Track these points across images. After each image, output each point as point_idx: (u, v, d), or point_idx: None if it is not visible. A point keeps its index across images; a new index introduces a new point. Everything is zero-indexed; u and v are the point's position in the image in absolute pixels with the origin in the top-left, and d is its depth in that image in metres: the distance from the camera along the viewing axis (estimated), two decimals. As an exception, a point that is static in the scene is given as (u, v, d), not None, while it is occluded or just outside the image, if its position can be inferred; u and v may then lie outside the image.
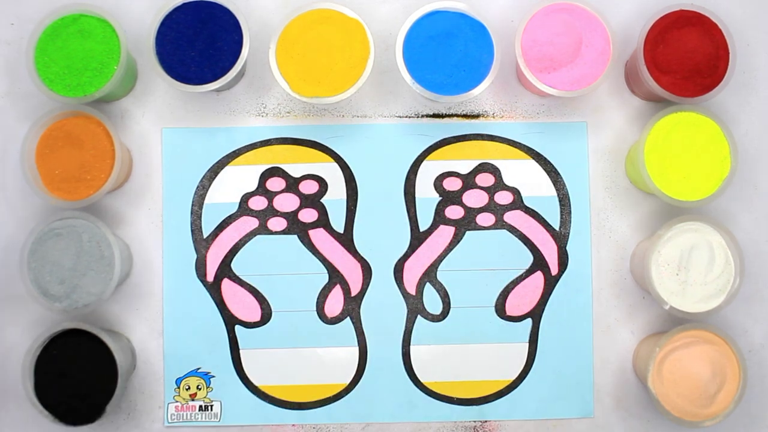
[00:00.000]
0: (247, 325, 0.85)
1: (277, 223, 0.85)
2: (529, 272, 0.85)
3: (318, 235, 0.85)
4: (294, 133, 0.86)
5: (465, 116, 0.87)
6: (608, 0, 0.86)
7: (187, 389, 0.84)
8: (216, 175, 0.86)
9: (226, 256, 0.85)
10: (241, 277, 0.85)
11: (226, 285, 0.85)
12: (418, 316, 0.85)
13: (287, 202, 0.85)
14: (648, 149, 0.80)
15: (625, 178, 0.86)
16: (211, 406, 0.84)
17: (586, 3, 0.81)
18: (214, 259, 0.85)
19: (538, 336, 0.85)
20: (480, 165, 0.86)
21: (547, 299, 0.85)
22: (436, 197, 0.86)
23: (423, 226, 0.85)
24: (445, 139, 0.86)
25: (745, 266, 0.80)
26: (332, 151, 0.86)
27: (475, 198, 0.86)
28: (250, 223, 0.85)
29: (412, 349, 0.85)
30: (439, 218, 0.85)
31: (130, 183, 0.86)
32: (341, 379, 0.85)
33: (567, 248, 0.85)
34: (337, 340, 0.85)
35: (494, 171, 0.86)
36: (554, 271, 0.85)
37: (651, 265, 0.79)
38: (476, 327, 0.85)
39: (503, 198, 0.86)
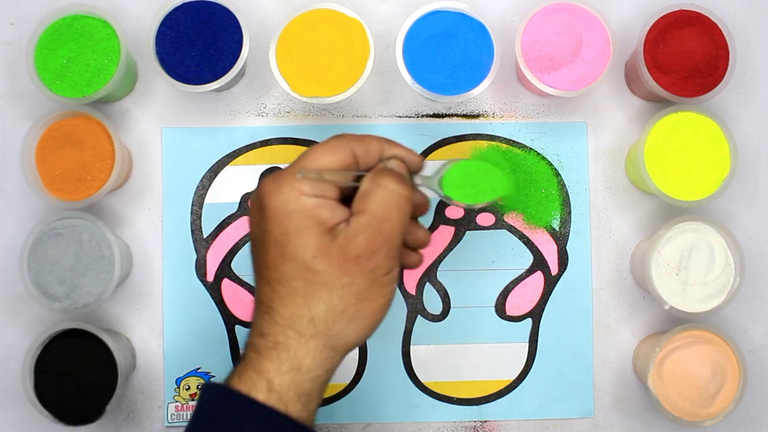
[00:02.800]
0: (248, 325, 0.85)
1: (277, 223, 0.85)
2: (529, 272, 0.85)
3: (318, 235, 0.85)
4: (294, 133, 0.86)
5: (465, 116, 0.87)
6: (608, 0, 0.86)
7: (187, 389, 0.84)
8: (216, 175, 0.86)
9: (226, 256, 0.85)
10: (241, 277, 0.85)
11: (226, 285, 0.85)
12: (418, 316, 0.85)
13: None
14: (648, 149, 0.80)
15: (625, 178, 0.86)
16: (211, 406, 0.84)
17: (586, 3, 0.81)
18: (214, 259, 0.85)
19: (538, 336, 0.85)
20: (480, 165, 0.86)
21: (547, 299, 0.85)
22: (436, 197, 0.85)
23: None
24: (445, 139, 0.86)
25: (745, 266, 0.80)
26: (332, 151, 0.86)
27: (475, 198, 0.86)
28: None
29: (412, 349, 0.85)
30: (439, 218, 0.85)
31: (130, 183, 0.86)
32: (341, 379, 0.85)
33: (567, 248, 0.85)
34: (337, 340, 0.85)
35: (494, 171, 0.86)
36: (554, 271, 0.85)
37: (651, 265, 0.79)
38: (476, 327, 0.85)
39: (503, 198, 0.86)
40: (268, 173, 0.85)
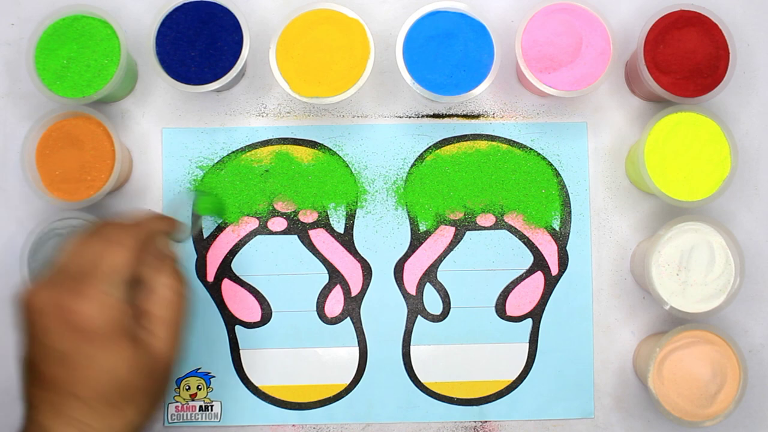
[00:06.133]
0: (247, 325, 0.85)
1: (277, 224, 0.85)
2: (530, 272, 0.85)
3: (318, 236, 0.85)
4: (294, 133, 0.86)
5: (465, 116, 0.87)
6: (608, 0, 0.86)
7: (187, 389, 0.84)
8: (216, 176, 0.86)
9: (226, 257, 0.85)
10: (241, 277, 0.85)
11: (226, 285, 0.85)
12: (419, 316, 0.85)
13: (287, 203, 0.85)
14: (648, 149, 0.80)
15: (625, 178, 0.86)
16: (211, 406, 0.84)
17: (586, 3, 0.81)
18: (214, 260, 0.85)
19: (538, 336, 0.85)
20: (480, 165, 0.86)
21: (548, 299, 0.85)
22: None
23: (423, 226, 0.85)
24: (445, 139, 0.86)
25: (745, 266, 0.80)
26: (332, 151, 0.86)
27: (475, 198, 0.86)
28: (250, 223, 0.85)
29: (412, 349, 0.85)
30: (440, 218, 0.85)
31: (130, 183, 0.86)
32: (341, 380, 0.85)
33: (567, 248, 0.85)
34: (337, 340, 0.85)
35: (494, 171, 0.86)
36: (554, 271, 0.85)
37: (651, 265, 0.79)
38: (476, 327, 0.85)
39: (503, 198, 0.86)
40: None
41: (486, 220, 0.86)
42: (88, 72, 0.81)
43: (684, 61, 0.80)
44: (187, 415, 0.84)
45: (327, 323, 0.85)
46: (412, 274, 0.85)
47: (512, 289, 0.85)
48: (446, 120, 0.87)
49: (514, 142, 0.86)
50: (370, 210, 0.86)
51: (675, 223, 0.79)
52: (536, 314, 0.85)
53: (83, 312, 0.60)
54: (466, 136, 0.86)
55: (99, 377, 0.60)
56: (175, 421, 0.84)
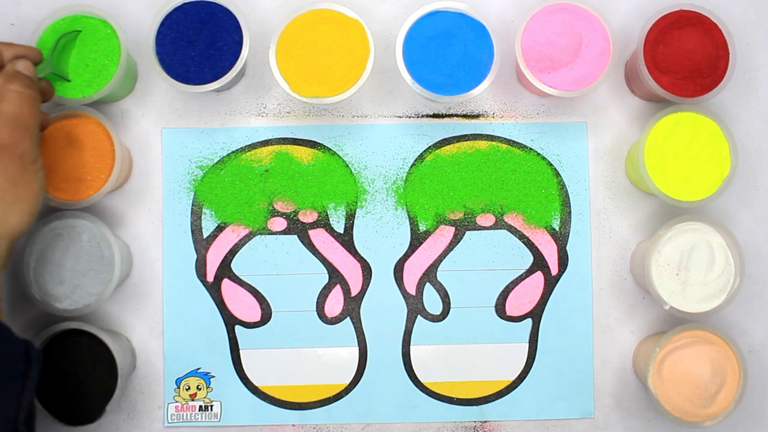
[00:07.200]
0: (247, 325, 0.85)
1: (277, 224, 0.85)
2: (529, 272, 0.85)
3: (318, 236, 0.85)
4: (294, 133, 0.86)
5: (465, 116, 0.87)
6: (608, 0, 0.86)
7: (187, 389, 0.84)
8: (216, 175, 0.86)
9: (226, 256, 0.85)
10: (241, 277, 0.85)
11: (226, 285, 0.85)
12: (418, 316, 0.85)
13: (287, 202, 0.85)
14: (648, 149, 0.80)
15: (625, 178, 0.86)
16: (211, 406, 0.84)
17: (586, 3, 0.81)
18: (214, 259, 0.85)
19: (538, 336, 0.85)
20: (480, 165, 0.86)
21: (547, 299, 0.85)
22: None
23: (423, 226, 0.86)
24: (445, 139, 0.86)
25: (745, 266, 0.80)
26: (332, 151, 0.86)
27: (475, 198, 0.86)
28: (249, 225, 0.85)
29: (412, 349, 0.85)
30: (439, 218, 0.85)
31: (130, 183, 0.86)
32: (341, 379, 0.85)
33: (567, 248, 0.85)
34: (337, 340, 0.85)
35: (494, 171, 0.86)
36: (554, 271, 0.85)
37: (651, 265, 0.79)
38: (476, 327, 0.85)
39: (503, 198, 0.86)
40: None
41: (486, 220, 0.86)
42: (88, 72, 0.81)
43: (684, 61, 0.80)
44: (187, 415, 0.84)
45: (327, 323, 0.85)
46: (412, 274, 0.85)
47: (512, 289, 0.85)
48: (446, 120, 0.87)
49: (514, 142, 0.86)
50: (370, 210, 0.86)
51: (675, 223, 0.80)
52: (536, 314, 0.85)
53: None
54: (466, 136, 0.86)
55: None
56: (175, 421, 0.84)
